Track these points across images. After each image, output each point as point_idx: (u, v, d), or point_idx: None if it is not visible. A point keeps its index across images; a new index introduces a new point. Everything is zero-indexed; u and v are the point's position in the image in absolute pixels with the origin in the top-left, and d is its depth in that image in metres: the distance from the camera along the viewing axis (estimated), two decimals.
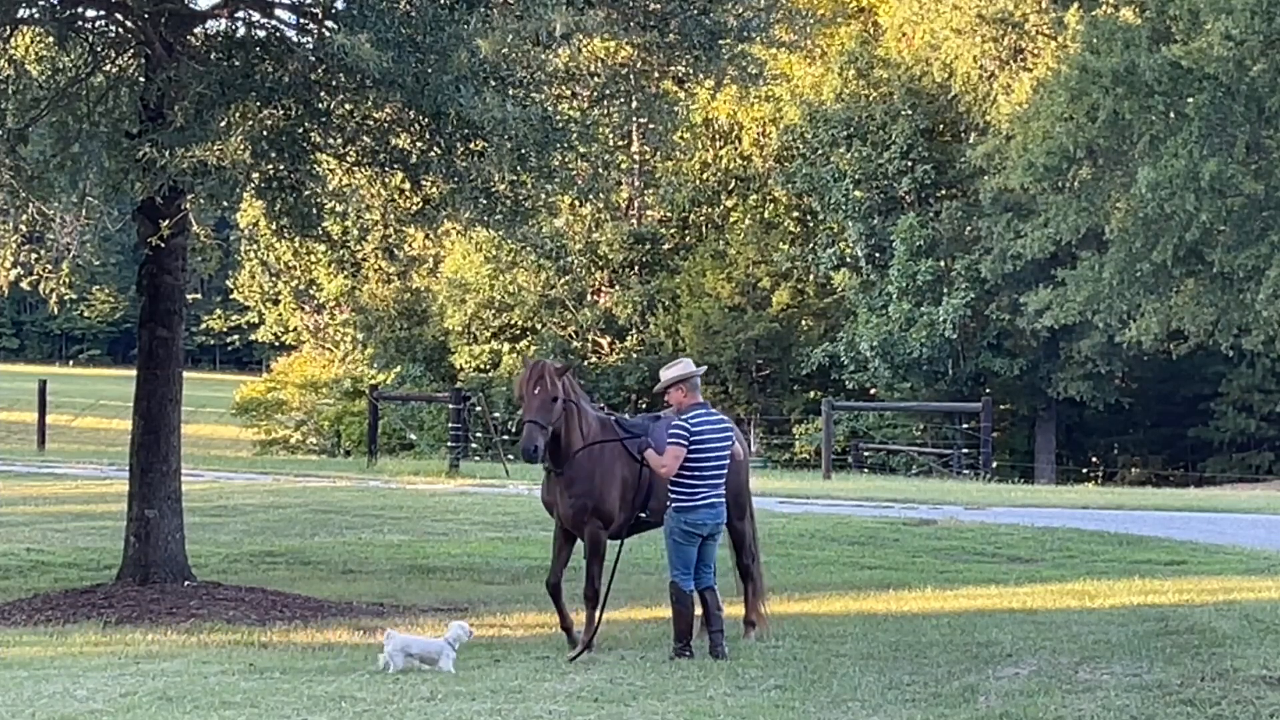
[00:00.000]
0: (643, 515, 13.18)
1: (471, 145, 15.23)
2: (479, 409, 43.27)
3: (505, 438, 41.38)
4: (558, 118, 15.07)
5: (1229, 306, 43.91)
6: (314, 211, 16.36)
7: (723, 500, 12.64)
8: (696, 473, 12.45)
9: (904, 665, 11.96)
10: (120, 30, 16.71)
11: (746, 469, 13.86)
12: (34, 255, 17.71)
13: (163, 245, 16.42)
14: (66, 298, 18.37)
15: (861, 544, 22.40)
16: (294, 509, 25.61)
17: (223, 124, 14.93)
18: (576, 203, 27.49)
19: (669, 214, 57.51)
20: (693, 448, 12.42)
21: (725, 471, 12.64)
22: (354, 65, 13.62)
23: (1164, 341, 46.26)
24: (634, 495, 13.08)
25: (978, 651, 12.53)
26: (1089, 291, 44.61)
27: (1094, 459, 52.29)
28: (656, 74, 16.88)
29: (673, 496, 12.55)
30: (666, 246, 57.03)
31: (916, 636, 13.53)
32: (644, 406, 51.76)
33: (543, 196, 15.97)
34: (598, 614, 12.88)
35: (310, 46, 14.96)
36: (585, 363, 54.75)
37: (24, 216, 17.03)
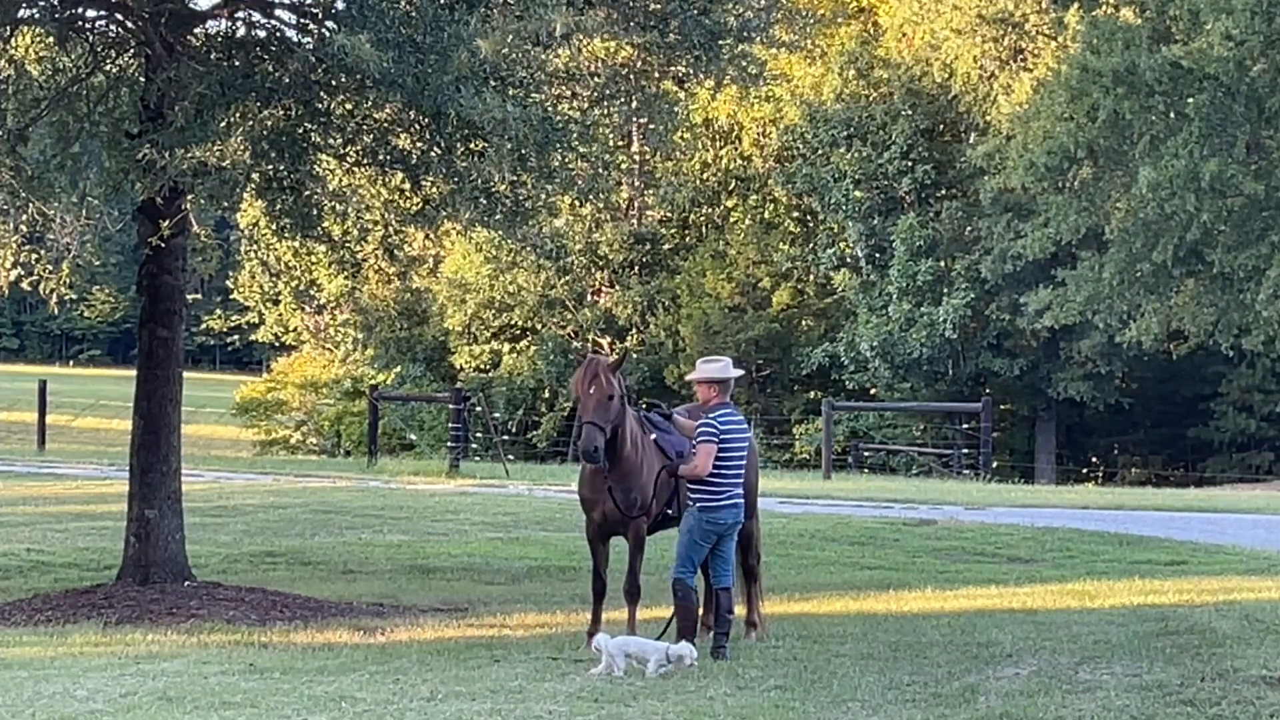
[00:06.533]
0: (669, 512, 13.20)
1: (471, 145, 15.22)
2: (479, 409, 43.27)
3: (505, 438, 41.37)
4: (558, 118, 15.04)
5: (1229, 307, 43.90)
6: (314, 211, 16.35)
7: (743, 499, 12.71)
8: (722, 472, 12.46)
9: (904, 665, 11.96)
10: (120, 30, 16.69)
11: (756, 469, 13.89)
12: (34, 255, 17.65)
13: (163, 245, 16.41)
14: (66, 298, 18.30)
15: (861, 544, 22.40)
16: (294, 509, 25.59)
17: (223, 124, 14.90)
18: (576, 203, 27.44)
19: (669, 214, 57.48)
20: (720, 447, 12.44)
21: (745, 470, 12.73)
22: (354, 65, 13.60)
23: (1164, 341, 46.26)
24: (665, 492, 13.14)
25: (978, 651, 12.54)
26: (1089, 291, 44.60)
27: (1094, 459, 52.26)
28: (656, 74, 16.85)
29: (697, 496, 12.54)
30: (666, 246, 57.00)
31: (916, 636, 13.53)
32: (644, 406, 51.65)
33: (543, 196, 15.94)
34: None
35: (310, 46, 14.93)
36: None
37: (24, 216, 16.99)
